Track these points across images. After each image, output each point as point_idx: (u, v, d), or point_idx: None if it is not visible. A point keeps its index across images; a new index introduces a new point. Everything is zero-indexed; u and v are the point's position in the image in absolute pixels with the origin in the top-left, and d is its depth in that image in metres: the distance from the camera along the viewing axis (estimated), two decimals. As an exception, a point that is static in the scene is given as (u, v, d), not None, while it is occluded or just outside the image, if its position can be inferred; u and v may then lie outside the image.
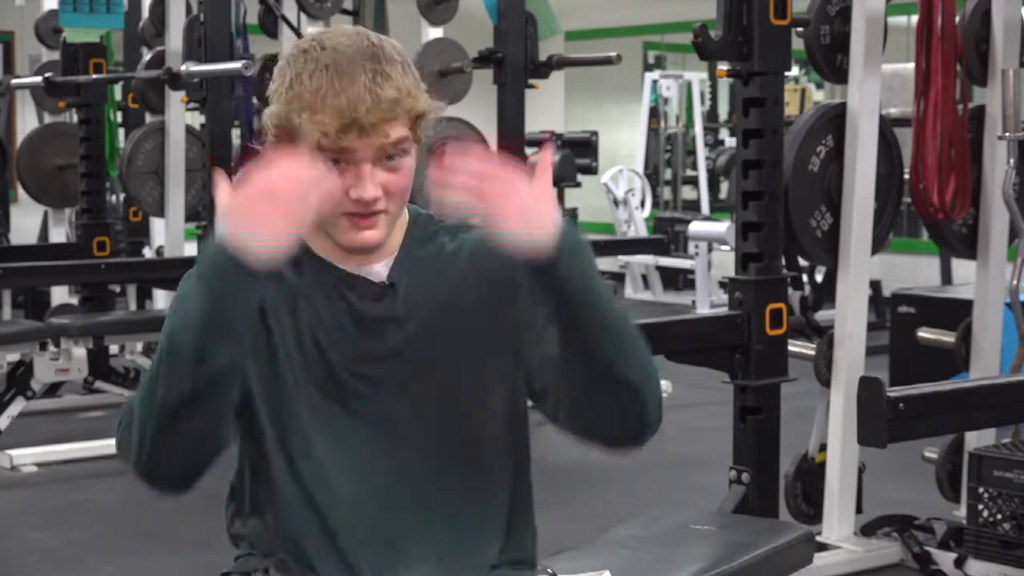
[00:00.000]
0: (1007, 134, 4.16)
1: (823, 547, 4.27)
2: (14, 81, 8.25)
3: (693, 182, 12.78)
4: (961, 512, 4.46)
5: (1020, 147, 4.26)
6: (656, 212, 12.10)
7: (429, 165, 1.72)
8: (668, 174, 13.25)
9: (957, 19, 4.41)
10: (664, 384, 7.31)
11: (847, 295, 4.37)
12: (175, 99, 6.78)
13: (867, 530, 4.42)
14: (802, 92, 11.34)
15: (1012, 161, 4.27)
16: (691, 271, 10.01)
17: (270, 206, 1.70)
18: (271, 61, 6.08)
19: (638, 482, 5.62)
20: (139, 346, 7.47)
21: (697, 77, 12.63)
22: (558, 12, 6.64)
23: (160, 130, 7.03)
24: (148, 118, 7.56)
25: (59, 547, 4.79)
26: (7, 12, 10.74)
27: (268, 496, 1.93)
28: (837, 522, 4.37)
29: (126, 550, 4.75)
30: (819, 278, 4.97)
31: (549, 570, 2.07)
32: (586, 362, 1.79)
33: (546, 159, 1.75)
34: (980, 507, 4.11)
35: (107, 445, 6.03)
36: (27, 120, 10.77)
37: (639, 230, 10.88)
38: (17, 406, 6.20)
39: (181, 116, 6.93)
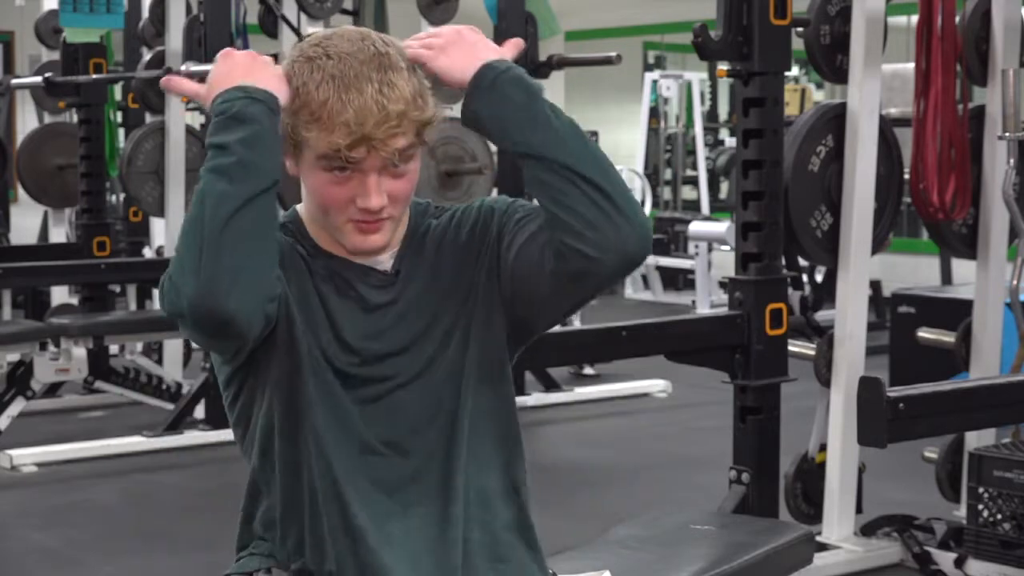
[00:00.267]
0: (1007, 134, 4.16)
1: (823, 547, 4.27)
2: (14, 81, 8.25)
3: (693, 182, 12.79)
4: (961, 512, 4.46)
5: (1020, 147, 4.26)
6: (656, 212, 12.11)
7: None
8: (668, 174, 13.26)
9: (957, 19, 4.41)
10: (664, 384, 7.33)
11: (847, 295, 4.37)
12: (175, 99, 6.78)
13: (867, 530, 4.42)
14: (802, 92, 11.35)
15: (1012, 161, 4.27)
16: (691, 271, 10.01)
17: (258, 63, 1.87)
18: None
19: (638, 482, 5.62)
20: (139, 346, 7.47)
21: (697, 77, 12.64)
22: (558, 12, 6.65)
23: (160, 130, 7.03)
24: (148, 118, 7.56)
25: (59, 547, 4.79)
26: (7, 12, 10.75)
27: (275, 483, 1.96)
28: (837, 522, 4.37)
29: (126, 550, 4.75)
30: (819, 278, 4.96)
31: (550, 570, 2.07)
32: (540, 164, 1.84)
33: (512, 43, 1.95)
34: (980, 507, 4.11)
35: (107, 445, 6.04)
36: (27, 120, 10.78)
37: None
38: (17, 406, 6.20)
39: (181, 116, 6.93)
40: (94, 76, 7.01)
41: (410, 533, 1.93)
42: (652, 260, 10.66)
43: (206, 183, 1.78)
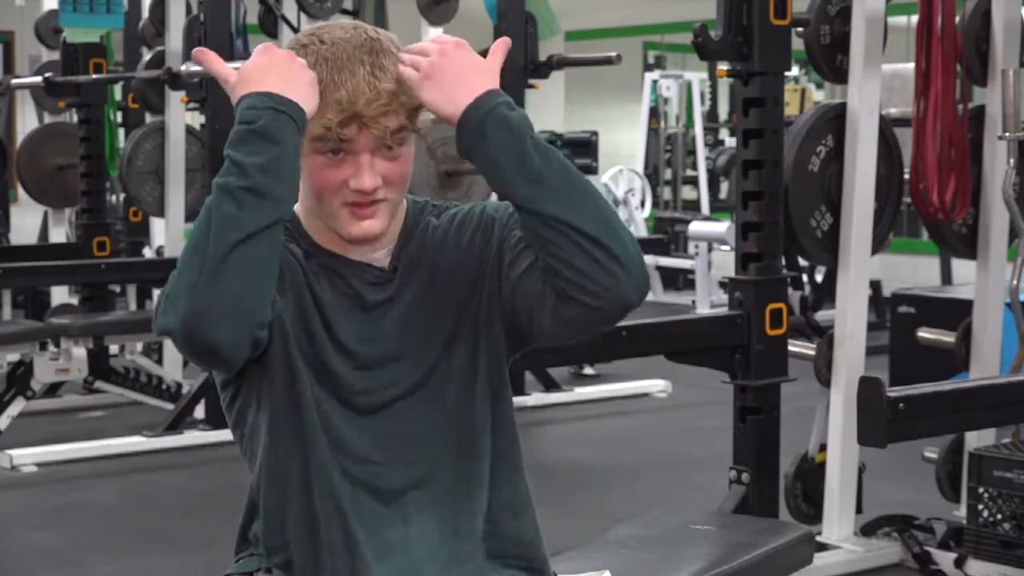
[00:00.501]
0: (1007, 134, 4.16)
1: (823, 547, 4.27)
2: (14, 81, 8.26)
3: (693, 182, 12.78)
4: (961, 512, 4.46)
5: (1020, 147, 4.26)
6: (656, 212, 12.11)
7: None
8: (668, 174, 13.25)
9: (957, 19, 4.41)
10: (664, 384, 7.33)
11: (847, 295, 4.37)
12: (175, 99, 6.78)
13: (867, 530, 4.42)
14: (802, 92, 11.35)
15: (1012, 161, 4.27)
16: (691, 271, 10.00)
17: (296, 68, 1.83)
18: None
19: (638, 482, 5.62)
20: (139, 346, 7.47)
21: (697, 77, 12.63)
22: (558, 12, 6.65)
23: (160, 130, 7.03)
24: (148, 118, 7.56)
25: (59, 547, 4.79)
26: (7, 12, 10.75)
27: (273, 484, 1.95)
28: (837, 522, 4.37)
29: (126, 550, 4.75)
30: (819, 278, 4.97)
31: (552, 571, 2.07)
32: (532, 218, 1.83)
33: (499, 45, 1.90)
34: (980, 507, 4.11)
35: (107, 445, 6.04)
36: (27, 120, 10.78)
37: (639, 230, 10.88)
38: (17, 406, 6.20)
39: (181, 116, 6.93)
40: (94, 76, 7.01)
41: (410, 543, 1.92)
42: (652, 260, 10.65)
43: (216, 201, 1.77)
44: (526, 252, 1.91)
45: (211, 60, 1.89)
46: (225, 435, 5.67)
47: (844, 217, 4.35)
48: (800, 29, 4.34)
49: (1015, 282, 4.20)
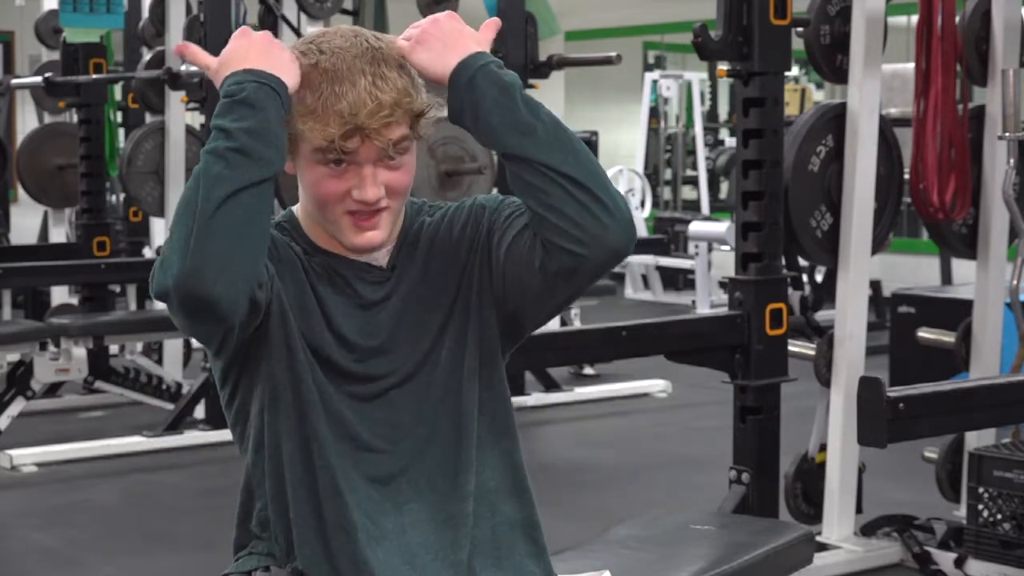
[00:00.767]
0: (1007, 134, 4.16)
1: (823, 547, 4.27)
2: (14, 81, 8.26)
3: (693, 182, 12.79)
4: (961, 512, 4.46)
5: (1020, 147, 4.26)
6: (656, 212, 12.11)
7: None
8: (668, 174, 13.26)
9: (957, 19, 4.41)
10: (664, 384, 7.33)
11: (847, 295, 4.37)
12: (175, 99, 6.78)
13: (867, 530, 4.42)
14: (802, 92, 11.35)
15: (1012, 161, 4.27)
16: (691, 271, 10.01)
17: (275, 47, 1.86)
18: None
19: (638, 482, 5.62)
20: (139, 346, 7.47)
21: (697, 77, 12.64)
22: (558, 12, 6.65)
23: (160, 130, 7.03)
24: (148, 118, 7.56)
25: (59, 547, 4.79)
26: (7, 12, 10.75)
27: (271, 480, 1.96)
28: (837, 522, 4.37)
29: (126, 550, 4.75)
30: (819, 278, 4.96)
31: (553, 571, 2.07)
32: (521, 165, 1.84)
33: (489, 23, 1.94)
34: (980, 507, 4.11)
35: (107, 445, 6.04)
36: (27, 120, 10.78)
37: (639, 230, 10.88)
38: (17, 406, 6.20)
39: (181, 116, 6.93)
40: (94, 76, 7.01)
41: (405, 529, 1.93)
42: (652, 260, 10.67)
43: (204, 164, 1.78)
44: (514, 224, 1.93)
45: (193, 52, 1.92)
46: (225, 435, 5.67)
47: (844, 217, 4.35)
48: (800, 29, 4.34)
49: (1015, 282, 4.20)
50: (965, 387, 3.86)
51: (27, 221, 10.24)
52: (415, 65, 1.89)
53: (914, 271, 10.06)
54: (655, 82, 12.34)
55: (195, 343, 7.00)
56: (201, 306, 1.77)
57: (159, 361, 7.25)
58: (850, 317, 4.35)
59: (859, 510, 4.43)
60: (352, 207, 1.90)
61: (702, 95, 12.88)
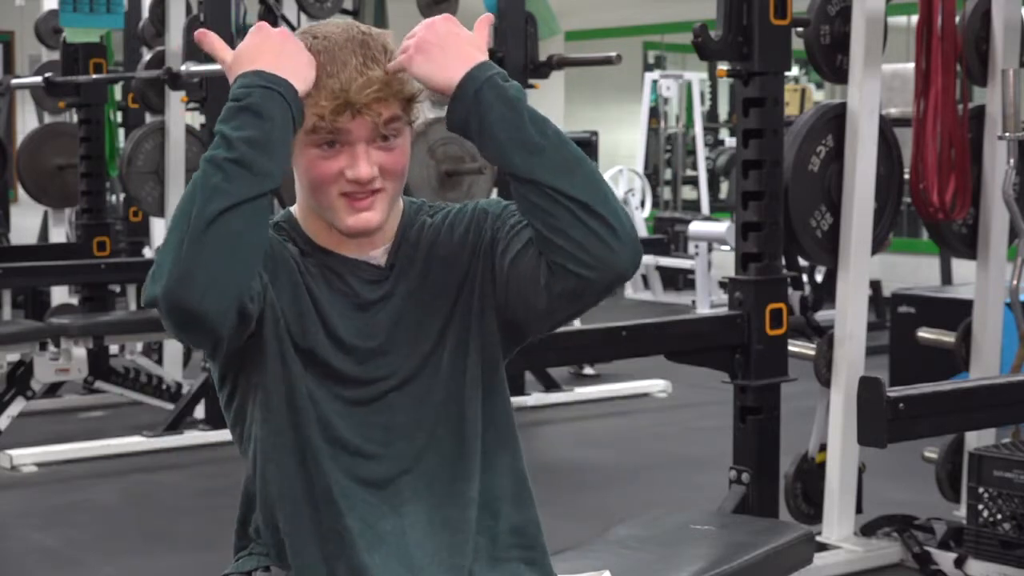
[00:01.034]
0: (1007, 134, 4.16)
1: (823, 547, 4.27)
2: (14, 81, 8.26)
3: (693, 182, 12.79)
4: (961, 512, 4.46)
5: (1020, 147, 4.26)
6: (656, 212, 12.11)
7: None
8: (668, 174, 13.26)
9: (957, 19, 4.41)
10: (664, 384, 7.33)
11: (847, 295, 4.37)
12: (175, 99, 6.78)
13: (867, 530, 4.42)
14: (802, 92, 11.35)
15: (1012, 161, 4.27)
16: (691, 271, 10.01)
17: (290, 46, 1.84)
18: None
19: (638, 482, 5.62)
20: (139, 346, 7.47)
21: (697, 77, 12.64)
22: (558, 12, 6.65)
23: (160, 130, 7.03)
24: (148, 118, 7.56)
25: (59, 547, 4.79)
26: (7, 12, 10.75)
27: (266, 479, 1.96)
28: (837, 522, 4.37)
29: (126, 550, 4.75)
30: (819, 278, 4.97)
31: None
32: (528, 187, 1.82)
33: (483, 20, 1.91)
34: (980, 507, 4.11)
35: (107, 445, 6.04)
36: (27, 120, 10.79)
37: (639, 230, 10.89)
38: (17, 406, 6.20)
39: (181, 116, 6.93)
40: (94, 76, 7.01)
41: (404, 531, 1.93)
42: (652, 260, 10.66)
43: (202, 174, 1.77)
44: (519, 236, 1.91)
45: (212, 41, 1.90)
46: (225, 435, 5.67)
47: (844, 217, 4.35)
48: (800, 29, 4.34)
49: (1015, 282, 4.20)
50: (965, 387, 3.86)
51: (27, 221, 10.24)
52: (417, 77, 1.86)
53: (914, 271, 10.06)
54: (655, 82, 12.34)
55: (172, 335, 6.99)
56: (188, 318, 1.76)
57: (159, 361, 7.25)
58: (850, 317, 4.35)
59: (859, 510, 4.43)
60: (346, 188, 1.89)
61: (702, 95, 12.88)
